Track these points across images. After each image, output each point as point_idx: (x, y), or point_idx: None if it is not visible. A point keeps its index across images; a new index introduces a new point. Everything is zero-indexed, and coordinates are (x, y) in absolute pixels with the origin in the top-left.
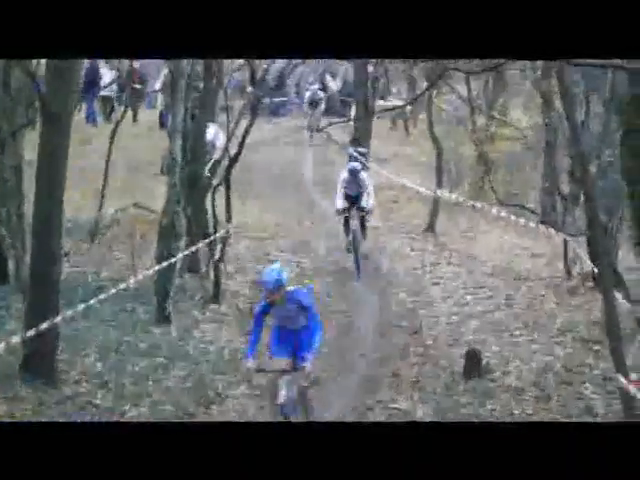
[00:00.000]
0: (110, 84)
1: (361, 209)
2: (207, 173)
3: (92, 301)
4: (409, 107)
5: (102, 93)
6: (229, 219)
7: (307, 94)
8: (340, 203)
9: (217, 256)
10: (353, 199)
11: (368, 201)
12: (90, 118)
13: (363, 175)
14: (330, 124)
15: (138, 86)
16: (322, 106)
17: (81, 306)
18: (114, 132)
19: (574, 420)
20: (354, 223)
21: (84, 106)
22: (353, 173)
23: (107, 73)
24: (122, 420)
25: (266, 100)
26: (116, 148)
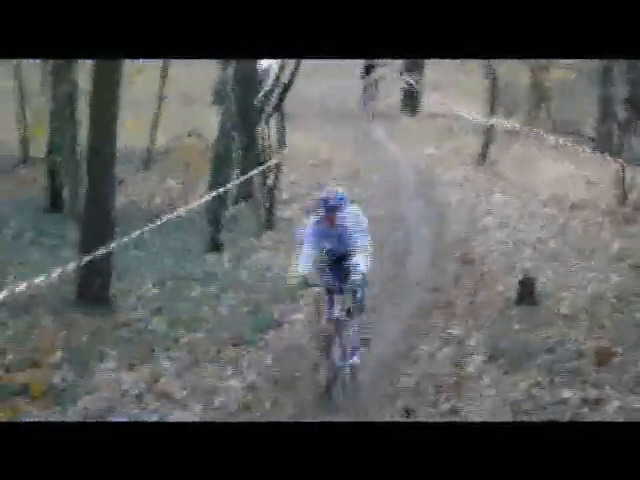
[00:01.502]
0: None
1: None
2: (260, 101)
3: (146, 229)
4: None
5: None
6: (283, 146)
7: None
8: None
9: (271, 183)
10: (334, 265)
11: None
12: None
13: (354, 213)
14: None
15: None
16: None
17: (135, 234)
18: (167, 62)
19: (574, 420)
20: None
21: None
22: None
23: None
24: (124, 420)
25: None
26: (170, 78)
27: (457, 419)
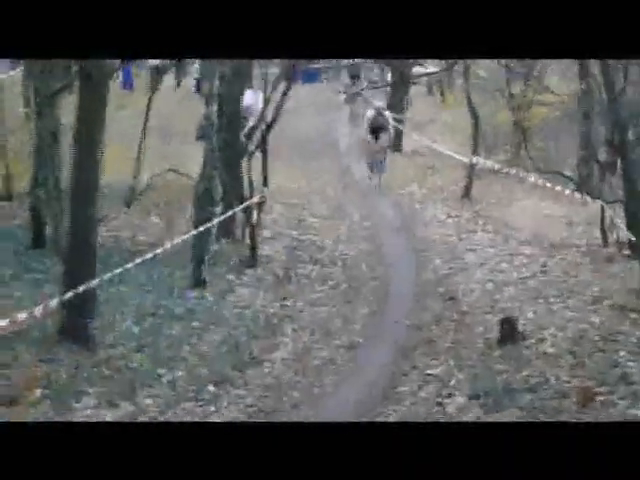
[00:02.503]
0: None
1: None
2: (243, 138)
3: (128, 265)
4: (445, 73)
5: (151, 63)
6: (265, 184)
7: (367, 117)
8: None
9: (253, 221)
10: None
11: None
12: (127, 84)
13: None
14: (365, 88)
15: None
16: (388, 137)
17: (118, 270)
18: (151, 98)
19: (573, 420)
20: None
21: (121, 72)
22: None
23: None
24: (122, 421)
25: (302, 66)
26: (154, 114)
27: None
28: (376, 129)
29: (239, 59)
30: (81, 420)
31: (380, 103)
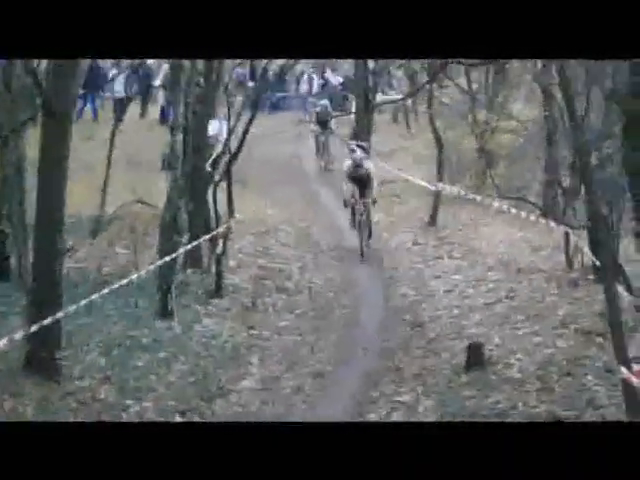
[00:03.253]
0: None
1: (367, 199)
2: (209, 168)
3: (94, 296)
4: (410, 101)
5: (116, 95)
6: (231, 213)
7: (315, 110)
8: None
9: (219, 250)
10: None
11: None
12: (81, 113)
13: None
14: (331, 117)
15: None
16: (332, 126)
17: (84, 302)
18: (116, 127)
19: (574, 420)
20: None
21: (79, 102)
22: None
23: (112, 71)
24: (120, 420)
25: (267, 94)
26: (118, 144)
27: None
28: (356, 181)
29: (235, 59)
30: (79, 420)
31: (358, 152)
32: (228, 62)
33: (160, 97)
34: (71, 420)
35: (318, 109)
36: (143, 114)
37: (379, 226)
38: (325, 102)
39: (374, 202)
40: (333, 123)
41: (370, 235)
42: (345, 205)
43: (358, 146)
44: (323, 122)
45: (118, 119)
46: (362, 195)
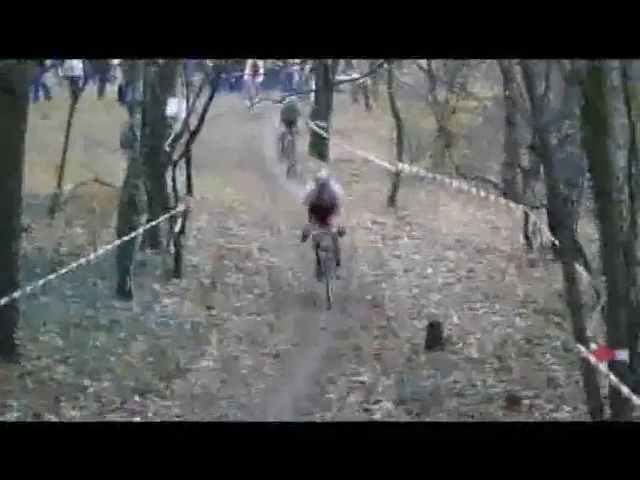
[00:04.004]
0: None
1: (334, 230)
2: (167, 147)
3: (52, 276)
4: (370, 80)
5: (73, 73)
6: (189, 193)
7: (306, 194)
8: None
9: (178, 230)
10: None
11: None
12: (37, 93)
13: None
14: (289, 96)
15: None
16: (298, 127)
17: (41, 282)
18: (73, 107)
19: (575, 419)
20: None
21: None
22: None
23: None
24: (119, 420)
25: (225, 75)
26: (75, 123)
27: None
28: (318, 209)
29: (227, 58)
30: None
31: (325, 174)
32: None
33: (118, 76)
34: (67, 421)
35: (283, 108)
36: (101, 93)
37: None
38: (292, 100)
39: (341, 233)
40: (300, 122)
41: (337, 275)
42: (303, 238)
43: (318, 125)
44: (289, 122)
45: (75, 97)
46: (324, 223)
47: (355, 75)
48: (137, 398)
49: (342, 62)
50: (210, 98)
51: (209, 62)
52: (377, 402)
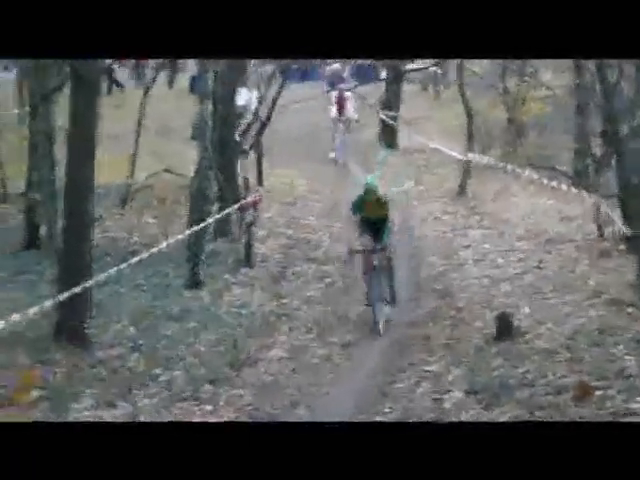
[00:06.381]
0: None
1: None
2: (238, 137)
3: (124, 266)
4: (439, 70)
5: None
6: (260, 183)
7: (327, 71)
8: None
9: (249, 220)
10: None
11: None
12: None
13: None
14: (357, 85)
15: None
16: (347, 92)
17: (113, 270)
18: (145, 97)
19: (577, 420)
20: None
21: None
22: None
23: None
24: (119, 421)
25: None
26: (148, 113)
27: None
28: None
29: (238, 59)
30: (80, 420)
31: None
32: None
33: (190, 66)
34: (67, 421)
35: (328, 72)
36: (172, 83)
37: (408, 195)
38: (336, 66)
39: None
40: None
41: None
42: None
43: (388, 115)
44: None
45: (147, 87)
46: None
47: (424, 64)
48: (208, 387)
49: None
50: (281, 88)
51: None
52: (447, 392)
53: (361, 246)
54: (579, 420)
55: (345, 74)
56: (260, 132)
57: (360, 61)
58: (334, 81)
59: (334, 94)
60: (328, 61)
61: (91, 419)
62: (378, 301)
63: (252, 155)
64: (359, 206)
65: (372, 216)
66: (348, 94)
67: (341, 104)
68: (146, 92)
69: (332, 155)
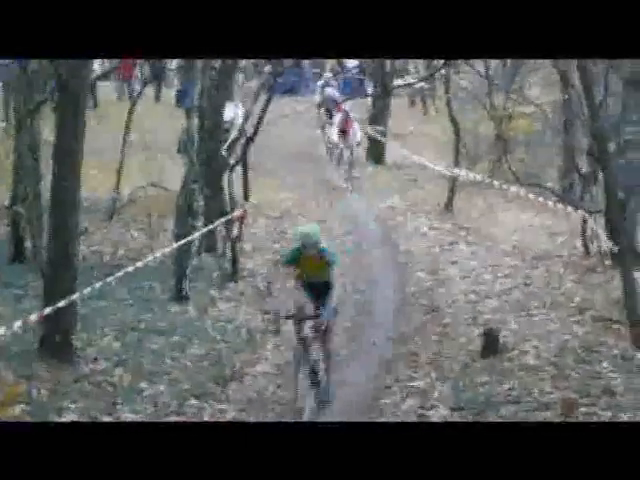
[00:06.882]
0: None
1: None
2: (225, 152)
3: (109, 279)
4: (427, 85)
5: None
6: (246, 197)
7: (317, 96)
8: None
9: (234, 234)
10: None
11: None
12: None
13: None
14: (346, 100)
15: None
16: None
17: (98, 284)
18: (131, 110)
19: (579, 420)
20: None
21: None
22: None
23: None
24: (119, 420)
25: (282, 78)
26: (133, 127)
27: None
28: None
29: (236, 58)
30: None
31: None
32: None
33: (176, 80)
34: (67, 421)
35: (318, 98)
36: (158, 97)
37: (394, 211)
38: (331, 90)
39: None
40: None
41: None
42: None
43: (375, 130)
44: (329, 110)
45: (133, 101)
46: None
47: (412, 80)
48: (193, 401)
49: (398, 66)
50: (267, 102)
51: (266, 67)
52: (432, 408)
53: (293, 309)
54: (575, 421)
55: (335, 90)
56: (247, 146)
57: (349, 75)
58: (329, 103)
59: (338, 118)
60: (320, 82)
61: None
62: (304, 382)
63: (239, 169)
64: (294, 258)
65: (310, 275)
66: (352, 116)
67: (345, 128)
68: (133, 105)
69: (344, 185)
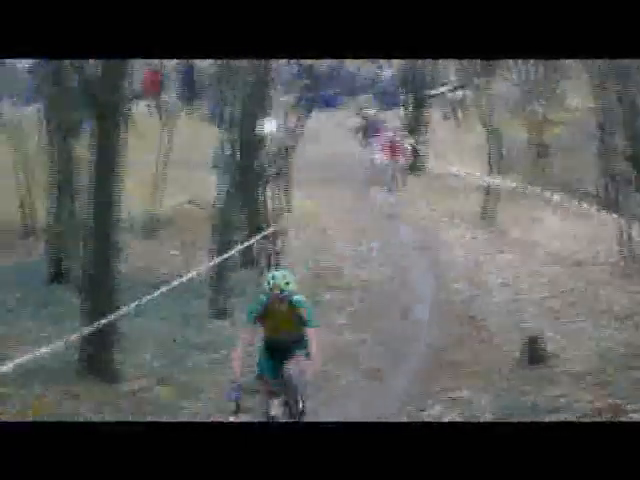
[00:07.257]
0: None
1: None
2: (262, 166)
3: (149, 297)
4: (461, 95)
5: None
6: (288, 211)
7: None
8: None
9: (275, 248)
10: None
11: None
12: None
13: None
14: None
15: None
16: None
17: (138, 302)
18: (165, 124)
19: (582, 420)
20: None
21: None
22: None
23: None
24: (120, 420)
25: (320, 91)
26: (168, 142)
27: None
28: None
29: (244, 59)
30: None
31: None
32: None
33: (211, 95)
34: (67, 421)
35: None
36: (193, 112)
37: (433, 220)
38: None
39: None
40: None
41: None
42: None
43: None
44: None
45: (169, 117)
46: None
47: (445, 89)
48: (232, 418)
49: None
50: (305, 116)
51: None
52: (475, 417)
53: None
54: (578, 421)
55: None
56: (286, 160)
57: (382, 87)
58: (372, 127)
59: (383, 140)
60: (362, 110)
61: None
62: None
63: (278, 182)
64: (258, 312)
65: (280, 330)
66: (398, 138)
67: (393, 151)
68: (167, 122)
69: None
